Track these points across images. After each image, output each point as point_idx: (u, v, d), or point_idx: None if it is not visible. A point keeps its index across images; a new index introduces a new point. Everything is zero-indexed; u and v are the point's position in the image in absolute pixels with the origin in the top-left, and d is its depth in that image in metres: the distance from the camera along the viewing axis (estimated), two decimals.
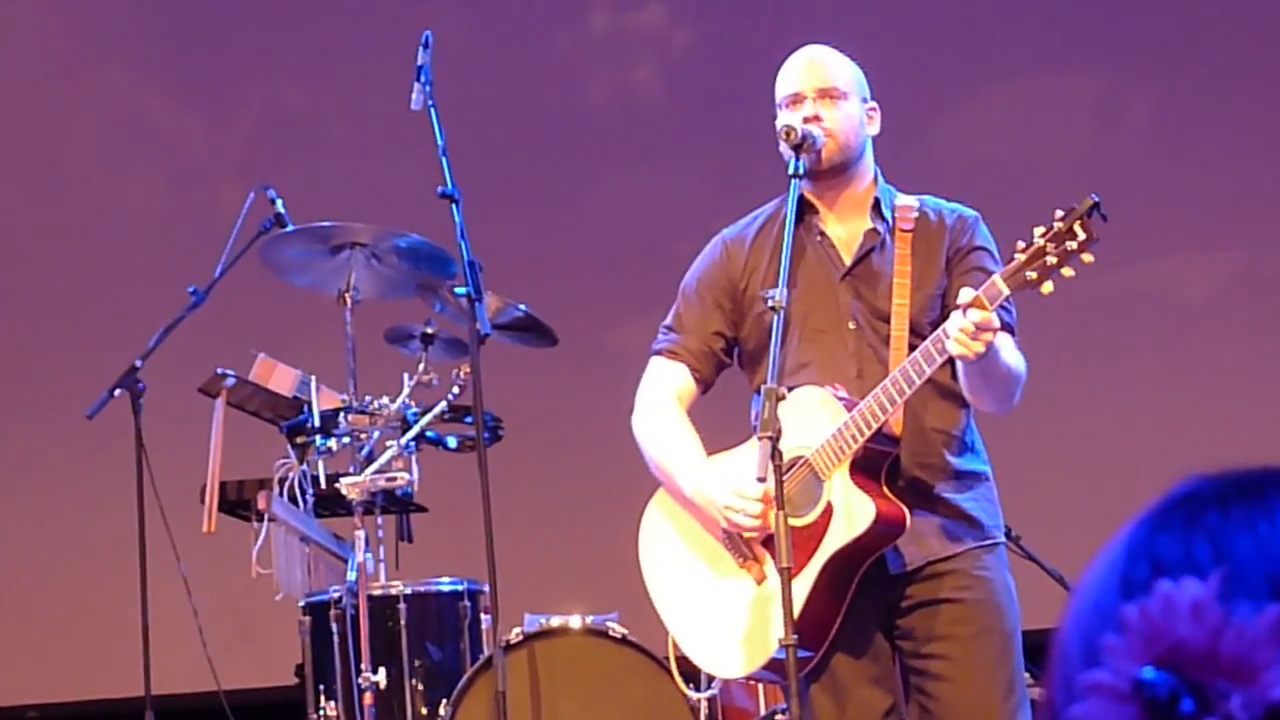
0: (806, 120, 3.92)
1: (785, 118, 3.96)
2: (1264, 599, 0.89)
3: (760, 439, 3.59)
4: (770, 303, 3.75)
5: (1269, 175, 8.09)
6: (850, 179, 4.01)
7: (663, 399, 4.09)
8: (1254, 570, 0.94)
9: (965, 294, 3.61)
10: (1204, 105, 8.18)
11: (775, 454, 3.59)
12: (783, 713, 5.07)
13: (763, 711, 5.32)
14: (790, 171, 3.89)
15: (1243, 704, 0.86)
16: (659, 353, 4.14)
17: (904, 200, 4.02)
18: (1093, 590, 1.00)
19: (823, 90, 3.96)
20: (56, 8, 8.57)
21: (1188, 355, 8.03)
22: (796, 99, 3.97)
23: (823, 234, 4.01)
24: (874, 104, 4.06)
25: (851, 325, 3.95)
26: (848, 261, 3.98)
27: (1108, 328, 7.98)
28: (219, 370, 5.83)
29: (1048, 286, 3.61)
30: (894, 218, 3.99)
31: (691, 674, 4.94)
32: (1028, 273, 3.60)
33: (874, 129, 4.05)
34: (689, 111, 8.44)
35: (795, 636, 3.61)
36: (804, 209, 3.98)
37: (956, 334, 3.57)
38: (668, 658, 4.83)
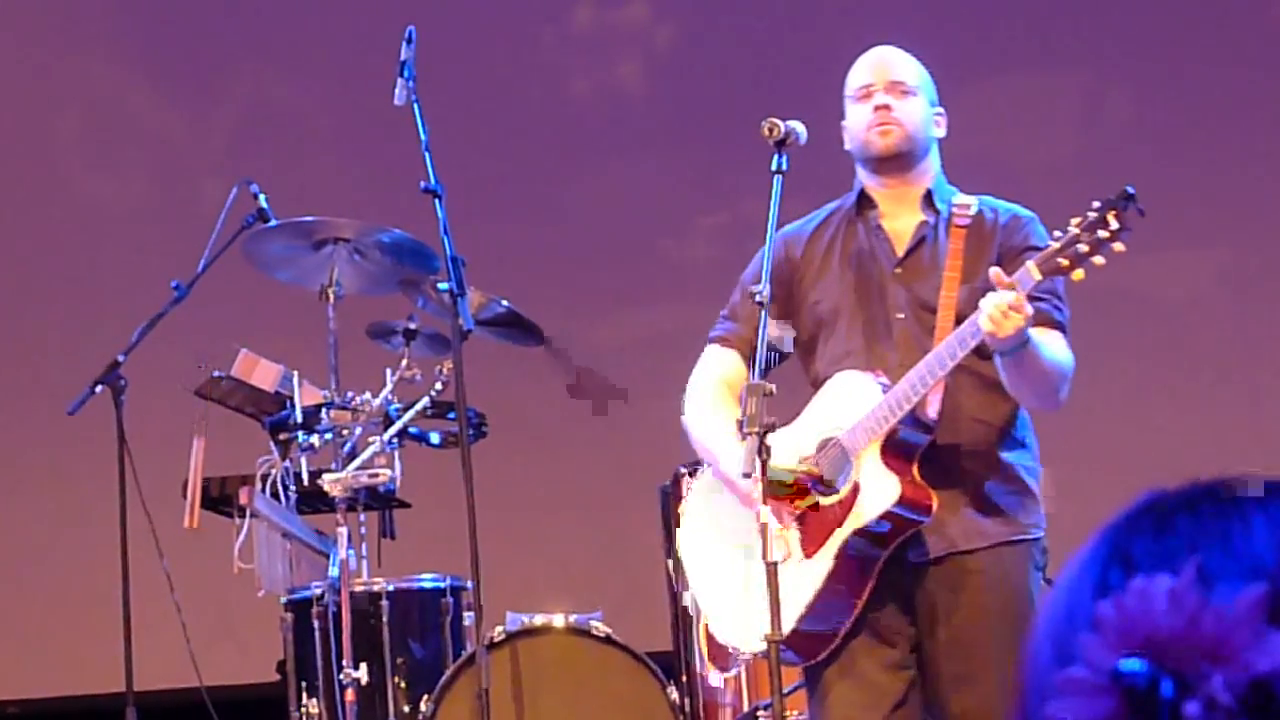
0: (877, 109, 4.02)
1: (855, 112, 4.06)
2: (1240, 584, 0.89)
3: (746, 435, 3.63)
4: (757, 297, 3.79)
5: (1252, 173, 8.10)
6: (913, 175, 4.08)
7: (711, 383, 4.15)
8: (1228, 562, 0.94)
9: (996, 274, 3.67)
10: (1186, 102, 8.18)
11: (762, 450, 3.63)
12: (765, 709, 5.07)
13: (745, 708, 5.32)
14: (773, 168, 3.92)
15: (1225, 683, 0.86)
16: (714, 340, 4.21)
17: (962, 198, 4.07)
18: (1064, 596, 1.00)
19: (894, 83, 4.06)
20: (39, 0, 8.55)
21: (1171, 353, 8.03)
22: (868, 91, 4.06)
23: (879, 227, 4.08)
24: (941, 109, 4.14)
25: (900, 315, 4.01)
26: (900, 254, 4.05)
27: (1090, 325, 7.94)
28: (201, 365, 5.81)
29: (1079, 273, 3.68)
30: (950, 212, 4.03)
31: (669, 670, 4.94)
32: (1059, 259, 3.66)
33: (940, 132, 4.14)
34: (672, 108, 8.43)
35: (780, 635, 3.64)
36: (864, 204, 4.09)
37: (990, 310, 3.62)
38: (651, 652, 4.83)
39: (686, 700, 5.17)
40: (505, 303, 5.42)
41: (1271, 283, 8.08)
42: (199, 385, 5.81)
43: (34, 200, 8.41)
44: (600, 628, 5.05)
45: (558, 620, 5.08)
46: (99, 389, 5.74)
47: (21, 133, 8.44)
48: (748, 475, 3.69)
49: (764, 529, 3.65)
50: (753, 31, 7.98)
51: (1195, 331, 8.08)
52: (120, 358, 5.75)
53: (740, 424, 3.72)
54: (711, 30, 8.36)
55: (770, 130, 3.91)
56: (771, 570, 3.64)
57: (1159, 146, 8.17)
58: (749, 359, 4.12)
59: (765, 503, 3.66)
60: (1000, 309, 3.61)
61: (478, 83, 8.27)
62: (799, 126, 3.95)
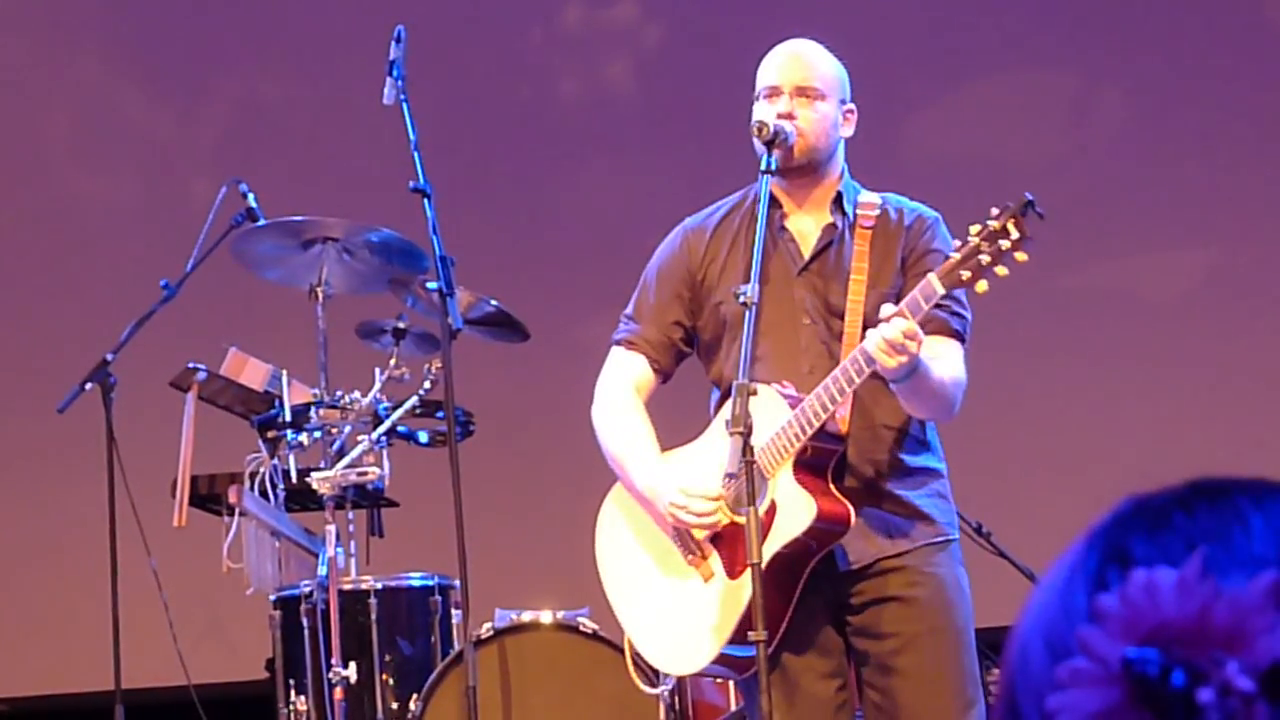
0: (780, 116, 3.91)
1: (760, 109, 3.95)
2: (1246, 576, 0.89)
3: (731, 435, 3.60)
4: (742, 298, 3.74)
5: (1240, 173, 8.11)
6: (817, 178, 4.00)
7: (621, 391, 4.09)
8: (1231, 557, 0.94)
9: (887, 309, 3.62)
10: (1175, 103, 8.20)
11: (747, 449, 3.60)
12: None
13: (733, 708, 5.32)
14: (761, 167, 3.89)
15: (1240, 669, 0.86)
16: (618, 342, 4.14)
17: (867, 197, 4.01)
18: (1054, 596, 0.99)
19: (801, 88, 3.95)
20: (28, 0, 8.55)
21: (1159, 353, 8.04)
22: (774, 92, 3.96)
23: (784, 228, 4.01)
24: (852, 106, 4.04)
25: (806, 320, 3.95)
26: (806, 256, 3.98)
27: (1079, 325, 8.00)
28: (190, 364, 5.82)
29: (982, 285, 3.61)
30: (855, 214, 3.98)
31: (651, 668, 4.94)
32: (962, 271, 3.60)
33: (848, 131, 4.03)
34: (661, 108, 8.44)
35: (765, 632, 3.62)
36: (768, 203, 3.96)
37: (878, 343, 3.57)
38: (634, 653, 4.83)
39: (675, 697, 5.17)
40: (494, 302, 5.43)
41: (1260, 283, 8.09)
42: (174, 376, 5.81)
43: (24, 199, 8.41)
44: (588, 624, 5.06)
45: (545, 617, 5.09)
46: (88, 387, 5.74)
47: (10, 132, 8.44)
48: (732, 475, 3.68)
49: (749, 529, 3.63)
50: (742, 31, 7.99)
51: (1184, 332, 8.09)
52: (109, 356, 5.75)
53: (727, 423, 3.69)
54: (700, 30, 8.37)
55: (759, 130, 3.89)
56: (755, 572, 3.62)
57: (1148, 146, 8.19)
58: (654, 361, 4.09)
59: (751, 504, 3.64)
60: (895, 343, 3.56)
61: (467, 82, 8.28)
62: (788, 127, 3.92)
